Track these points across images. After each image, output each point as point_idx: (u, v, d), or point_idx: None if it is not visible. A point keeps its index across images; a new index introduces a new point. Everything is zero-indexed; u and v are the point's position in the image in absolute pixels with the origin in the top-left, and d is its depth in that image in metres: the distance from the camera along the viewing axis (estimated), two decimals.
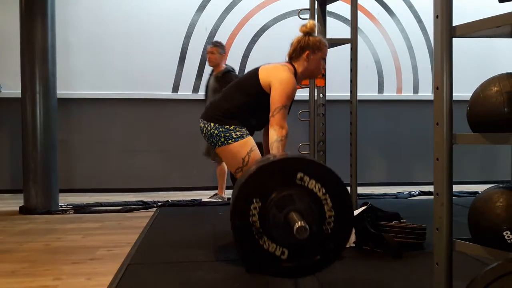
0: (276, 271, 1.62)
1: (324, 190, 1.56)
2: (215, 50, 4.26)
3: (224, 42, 5.13)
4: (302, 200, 1.55)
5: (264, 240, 1.57)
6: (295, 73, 2.43)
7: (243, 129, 2.40)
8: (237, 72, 4.56)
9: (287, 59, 2.52)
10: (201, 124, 2.49)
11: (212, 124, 2.41)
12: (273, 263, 1.59)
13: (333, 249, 1.62)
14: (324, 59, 2.53)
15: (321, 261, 1.63)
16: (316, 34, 2.51)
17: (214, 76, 4.29)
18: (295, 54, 2.47)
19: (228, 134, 2.36)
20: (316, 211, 1.56)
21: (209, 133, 2.42)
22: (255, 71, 2.46)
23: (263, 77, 2.39)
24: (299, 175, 1.55)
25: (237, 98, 2.43)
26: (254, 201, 1.55)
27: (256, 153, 2.39)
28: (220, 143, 2.39)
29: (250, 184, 1.56)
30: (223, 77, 4.18)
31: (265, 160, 1.65)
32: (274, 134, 2.27)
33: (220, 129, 2.37)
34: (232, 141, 2.36)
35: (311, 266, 1.62)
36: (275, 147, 2.26)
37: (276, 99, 2.31)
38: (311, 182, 1.56)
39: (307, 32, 2.48)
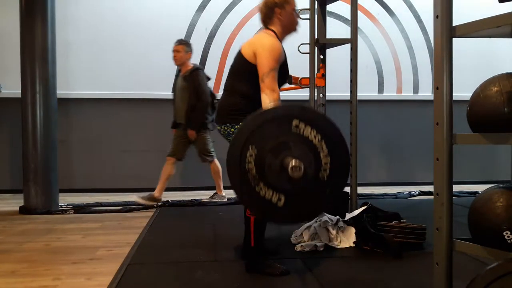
0: (273, 217, 1.63)
1: (319, 137, 1.57)
2: (180, 48, 4.17)
3: (224, 42, 5.16)
4: (297, 147, 1.55)
5: (261, 186, 1.57)
6: (277, 36, 2.41)
7: None
8: None
9: (262, 26, 2.50)
10: (217, 127, 2.50)
11: (228, 124, 2.41)
12: (270, 209, 1.59)
13: (329, 195, 1.62)
14: (295, 10, 2.48)
15: (316, 207, 1.63)
16: None
17: (182, 76, 4.21)
18: (267, 17, 2.44)
19: None
20: (312, 157, 1.56)
21: (226, 132, 2.43)
22: (238, 52, 2.44)
23: (246, 52, 2.37)
24: (295, 122, 1.55)
25: (238, 87, 2.40)
26: (250, 148, 1.55)
27: None
28: None
29: (245, 132, 1.56)
30: (191, 75, 4.12)
31: (261, 110, 1.65)
32: (266, 98, 2.21)
33: (236, 126, 2.36)
34: None
35: (307, 213, 1.62)
36: None
37: (263, 64, 2.27)
38: (306, 129, 1.56)
39: None
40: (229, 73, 2.52)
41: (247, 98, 2.37)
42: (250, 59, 2.35)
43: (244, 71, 2.39)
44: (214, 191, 4.49)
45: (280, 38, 2.44)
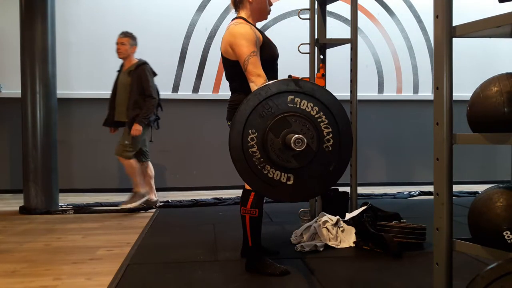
0: (286, 196, 1.62)
1: (317, 109, 1.56)
2: (125, 40, 3.91)
3: None
4: (297, 122, 1.54)
5: (268, 169, 1.56)
6: (247, 22, 2.33)
7: None
8: None
9: (234, 12, 2.44)
10: (228, 123, 2.47)
11: None
12: (282, 190, 1.58)
13: (337, 165, 1.61)
14: None
15: (326, 180, 1.62)
16: None
17: (126, 71, 3.94)
18: (238, 1, 2.39)
19: None
20: (313, 130, 1.55)
21: None
22: (220, 51, 2.39)
23: (224, 50, 2.32)
24: (290, 97, 1.54)
25: (234, 85, 2.38)
26: (250, 132, 1.54)
27: None
28: None
29: (242, 116, 1.55)
30: (136, 70, 3.87)
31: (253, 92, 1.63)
32: (254, 86, 2.13)
33: None
34: None
35: (318, 187, 1.61)
36: None
37: (240, 52, 2.20)
38: (302, 102, 1.55)
39: None
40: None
41: (243, 92, 2.28)
42: (228, 56, 2.30)
43: (231, 70, 2.35)
44: (214, 191, 4.46)
45: (252, 22, 2.37)
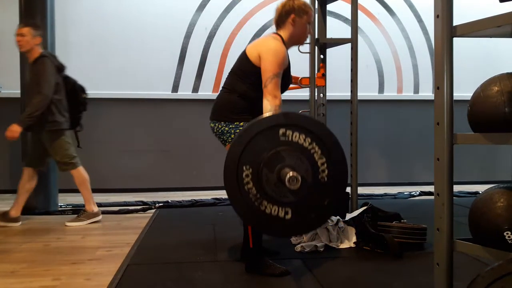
0: (285, 231, 1.60)
1: (309, 140, 1.55)
2: (26, 31, 3.36)
3: (224, 42, 5.15)
4: (290, 155, 1.53)
5: (265, 205, 1.55)
6: (283, 42, 2.40)
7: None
8: None
9: (274, 27, 2.49)
10: (211, 124, 2.47)
11: (222, 123, 2.39)
12: (280, 225, 1.56)
13: (334, 195, 1.60)
14: (310, 24, 2.47)
15: (325, 211, 1.60)
16: None
17: (30, 65, 3.47)
18: (280, 19, 2.42)
19: (238, 130, 2.35)
20: (307, 162, 1.54)
21: (220, 131, 2.40)
22: (243, 52, 2.42)
23: (251, 53, 2.35)
24: (281, 131, 1.54)
25: (238, 86, 2.38)
26: (244, 168, 1.53)
27: None
28: (230, 139, 2.37)
29: (235, 153, 1.55)
30: (35, 63, 3.38)
31: (245, 127, 1.62)
32: (268, 105, 2.20)
33: (230, 126, 2.35)
34: None
35: (317, 219, 1.60)
36: None
37: (267, 68, 2.25)
38: (294, 135, 1.54)
39: None
40: (231, 71, 2.51)
41: (246, 99, 2.37)
42: (254, 61, 2.33)
43: (246, 71, 2.37)
44: (213, 191, 4.47)
45: (286, 45, 2.42)
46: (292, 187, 1.46)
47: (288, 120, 1.56)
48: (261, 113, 2.42)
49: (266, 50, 2.29)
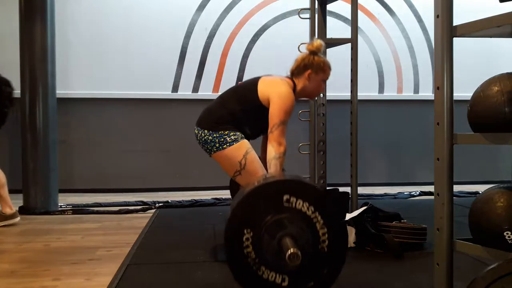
0: None
1: (313, 208, 1.53)
2: None
3: (224, 42, 5.15)
4: (293, 223, 1.52)
5: (262, 270, 1.54)
6: (294, 89, 2.43)
7: (238, 133, 2.38)
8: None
9: (288, 73, 2.52)
10: (195, 130, 2.49)
11: (206, 131, 2.40)
12: None
13: (333, 265, 1.59)
14: (325, 81, 2.54)
15: (323, 279, 1.59)
16: (321, 54, 2.51)
17: None
18: (297, 71, 2.48)
19: (222, 139, 2.36)
20: (309, 231, 1.53)
21: (203, 139, 2.41)
22: (255, 82, 2.44)
23: (261, 89, 2.39)
24: (285, 197, 1.52)
25: (233, 105, 2.42)
26: (245, 231, 1.52)
27: (253, 155, 2.37)
28: (215, 149, 2.38)
29: (238, 216, 1.54)
30: None
31: (250, 186, 1.61)
32: (272, 151, 2.25)
33: (214, 135, 2.37)
34: (227, 145, 2.35)
35: (317, 285, 1.59)
36: (273, 165, 2.24)
37: (275, 114, 2.29)
38: (298, 202, 1.53)
39: (313, 51, 2.50)
40: (235, 88, 2.54)
41: (234, 118, 2.40)
42: (261, 97, 2.37)
43: (248, 98, 2.41)
44: (215, 191, 4.47)
45: (296, 95, 2.45)
46: (291, 264, 1.44)
47: (293, 187, 1.54)
48: (245, 137, 2.43)
49: (277, 95, 2.32)
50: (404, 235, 2.69)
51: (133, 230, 3.23)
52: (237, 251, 1.52)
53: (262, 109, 2.39)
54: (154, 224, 3.45)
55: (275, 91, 2.34)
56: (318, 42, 2.50)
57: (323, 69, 2.48)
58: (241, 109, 2.40)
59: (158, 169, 5.06)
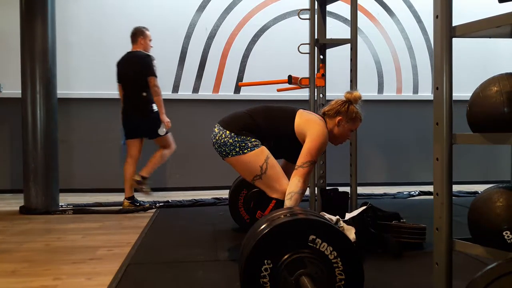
0: None
1: (335, 254, 1.55)
2: None
3: (224, 42, 5.16)
4: (313, 264, 1.53)
5: None
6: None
7: (258, 140, 2.39)
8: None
9: (320, 113, 2.56)
10: (216, 129, 2.46)
11: (227, 132, 2.38)
12: None
13: None
14: (352, 131, 2.60)
15: None
16: (357, 105, 2.54)
17: None
18: (330, 113, 2.53)
19: (244, 144, 2.34)
20: (327, 274, 1.54)
21: (222, 140, 2.38)
22: (293, 111, 2.47)
23: (299, 123, 2.42)
24: (311, 237, 1.53)
25: (262, 120, 2.44)
26: (266, 262, 1.52)
27: (273, 160, 2.37)
28: (234, 153, 2.36)
29: (261, 246, 1.54)
30: None
31: (277, 218, 1.61)
32: (297, 186, 2.26)
33: (236, 139, 2.35)
34: (248, 150, 2.34)
35: None
36: (294, 199, 2.25)
37: (310, 152, 2.32)
38: (323, 244, 1.54)
39: (349, 100, 2.54)
40: (270, 108, 2.53)
41: (260, 132, 2.42)
42: (297, 129, 2.42)
43: (280, 121, 2.45)
44: (215, 191, 4.48)
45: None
46: None
47: (321, 229, 1.55)
48: (266, 143, 2.43)
49: (317, 135, 2.36)
50: (404, 234, 2.70)
51: (133, 230, 3.24)
52: (253, 279, 1.53)
53: (289, 138, 2.42)
54: (154, 224, 3.46)
55: (315, 130, 2.37)
56: (357, 94, 2.56)
57: (354, 120, 2.54)
58: (269, 128, 2.42)
59: (158, 169, 5.05)
